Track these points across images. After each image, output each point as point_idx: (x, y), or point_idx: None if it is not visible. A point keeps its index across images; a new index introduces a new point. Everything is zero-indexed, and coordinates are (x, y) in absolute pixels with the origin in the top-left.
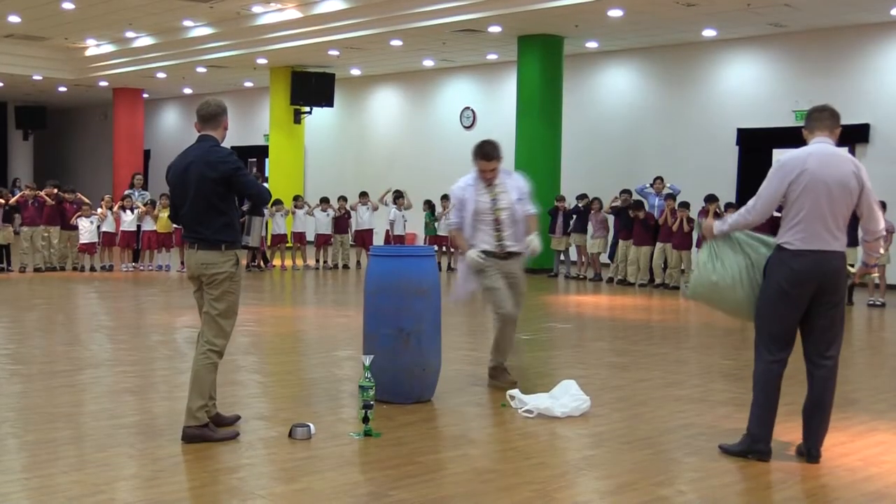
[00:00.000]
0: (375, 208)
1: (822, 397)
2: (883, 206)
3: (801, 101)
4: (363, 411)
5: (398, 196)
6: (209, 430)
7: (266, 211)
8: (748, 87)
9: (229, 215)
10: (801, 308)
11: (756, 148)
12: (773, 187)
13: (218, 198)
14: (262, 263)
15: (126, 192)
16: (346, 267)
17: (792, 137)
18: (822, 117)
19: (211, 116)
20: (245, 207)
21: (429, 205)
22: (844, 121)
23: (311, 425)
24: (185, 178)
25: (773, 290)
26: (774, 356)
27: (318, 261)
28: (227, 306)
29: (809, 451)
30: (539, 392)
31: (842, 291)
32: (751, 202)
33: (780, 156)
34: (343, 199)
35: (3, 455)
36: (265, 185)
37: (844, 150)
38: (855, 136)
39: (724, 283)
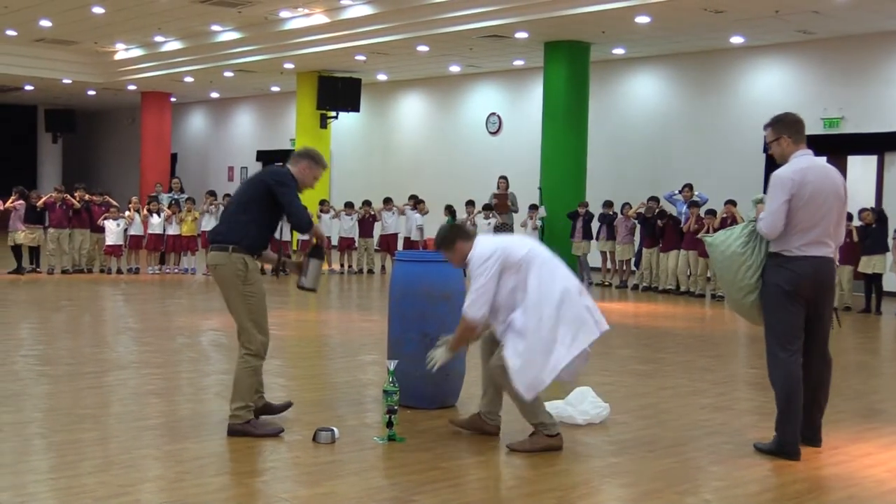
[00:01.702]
0: (402, 213)
1: (823, 388)
2: None
3: (829, 108)
4: (387, 416)
5: (418, 201)
6: (251, 426)
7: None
8: (776, 94)
9: (249, 217)
10: (802, 305)
11: None
12: (779, 202)
13: (254, 199)
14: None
15: (166, 196)
16: (370, 272)
17: (820, 145)
18: (801, 129)
19: (293, 155)
20: (301, 242)
21: (449, 210)
22: (874, 129)
23: (335, 429)
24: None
25: (774, 291)
26: (788, 352)
27: (342, 265)
28: (242, 310)
29: (814, 436)
30: (555, 400)
31: (833, 293)
32: (762, 221)
33: (782, 170)
34: (367, 203)
35: (31, 455)
36: (306, 211)
37: (824, 160)
38: (885, 144)
39: (745, 261)
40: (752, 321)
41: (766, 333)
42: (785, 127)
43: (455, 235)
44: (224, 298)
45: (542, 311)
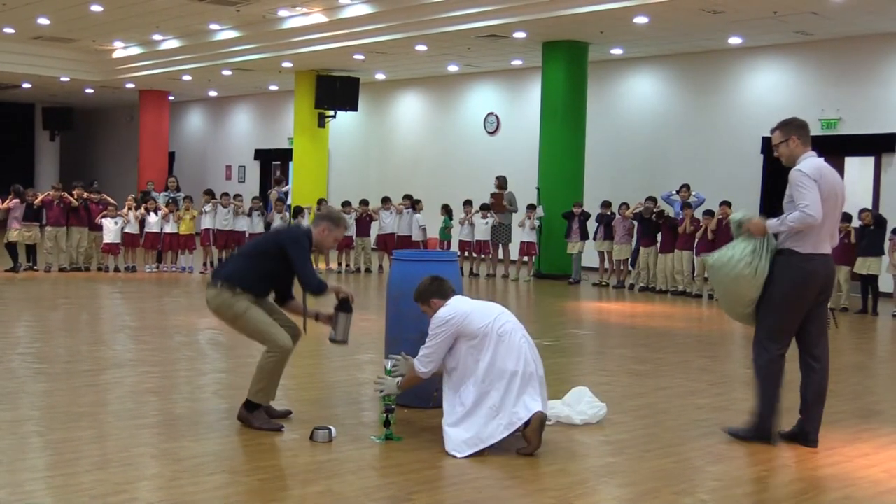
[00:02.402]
0: (400, 212)
1: (824, 388)
2: None
3: (827, 109)
4: (384, 415)
5: (415, 201)
6: (254, 417)
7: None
8: (773, 95)
9: (252, 262)
10: (808, 306)
11: None
12: (815, 191)
13: (265, 251)
14: None
15: (162, 194)
16: (368, 271)
17: (817, 146)
18: (808, 132)
19: (315, 216)
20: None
21: (446, 209)
22: (871, 130)
23: (332, 428)
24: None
25: (785, 290)
26: (780, 349)
27: (340, 264)
28: (248, 327)
29: (809, 436)
30: (552, 400)
31: (832, 290)
32: (801, 211)
33: (803, 167)
34: (364, 202)
35: (28, 453)
36: (316, 275)
37: None
38: (881, 146)
39: (752, 282)
40: (748, 324)
41: (762, 327)
42: (794, 129)
43: (432, 293)
44: (233, 328)
45: (491, 387)
